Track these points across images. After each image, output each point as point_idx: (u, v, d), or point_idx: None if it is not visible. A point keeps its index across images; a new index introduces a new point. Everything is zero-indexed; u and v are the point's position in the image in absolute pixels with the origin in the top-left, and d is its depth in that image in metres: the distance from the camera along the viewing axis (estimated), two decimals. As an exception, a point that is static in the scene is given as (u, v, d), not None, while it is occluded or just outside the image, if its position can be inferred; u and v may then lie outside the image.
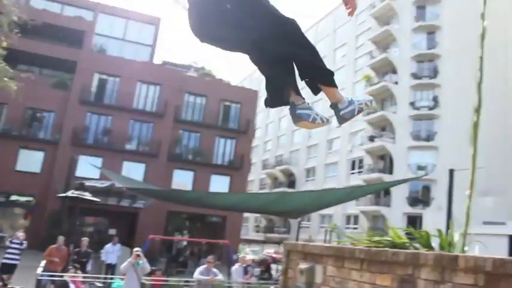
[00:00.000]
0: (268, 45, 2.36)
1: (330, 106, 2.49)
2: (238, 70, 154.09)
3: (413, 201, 37.86)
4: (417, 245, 3.90)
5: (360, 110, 2.50)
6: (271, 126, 62.46)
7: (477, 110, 3.88)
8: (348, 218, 43.60)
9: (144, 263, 9.97)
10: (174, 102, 32.15)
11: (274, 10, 2.37)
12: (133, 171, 28.40)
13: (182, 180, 31.34)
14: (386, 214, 37.59)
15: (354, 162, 44.38)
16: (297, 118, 2.50)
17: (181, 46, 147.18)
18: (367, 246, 4.08)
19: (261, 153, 62.66)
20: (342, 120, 2.54)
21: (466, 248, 3.73)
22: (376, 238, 4.21)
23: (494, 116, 37.71)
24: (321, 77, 2.45)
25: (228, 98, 34.83)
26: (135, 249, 10.22)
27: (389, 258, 3.59)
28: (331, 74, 2.45)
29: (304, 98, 2.52)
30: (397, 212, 37.29)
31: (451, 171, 15.06)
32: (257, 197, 15.48)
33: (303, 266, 4.72)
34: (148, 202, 27.28)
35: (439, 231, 3.82)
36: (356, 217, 41.95)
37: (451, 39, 38.05)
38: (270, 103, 2.57)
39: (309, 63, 2.42)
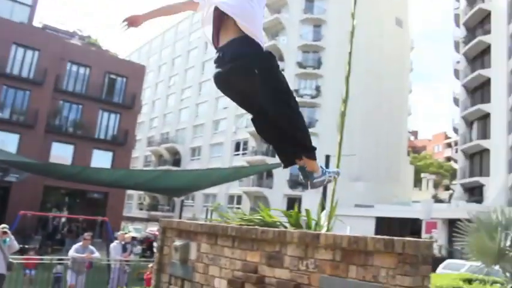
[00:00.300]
0: (272, 114, 2.75)
1: (305, 171, 3.03)
2: (127, 43, 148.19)
3: (294, 183, 39.92)
4: (287, 225, 4.21)
5: (329, 181, 3.05)
6: (158, 103, 61.37)
7: (344, 101, 4.26)
8: (232, 198, 44.67)
9: (11, 240, 9.36)
10: (54, 71, 30.07)
11: (287, 85, 2.79)
12: (6, 142, 26.27)
13: (61, 153, 29.65)
14: (268, 195, 39.19)
15: (238, 144, 45.37)
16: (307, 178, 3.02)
17: (65, 11, 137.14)
18: (239, 225, 4.30)
19: (147, 130, 61.42)
20: (313, 186, 3.06)
21: (330, 226, 4.11)
22: (248, 217, 4.45)
23: (368, 108, 40.97)
24: (308, 153, 2.91)
25: (114, 70, 33.43)
26: (2, 225, 9.56)
27: (259, 236, 3.84)
28: (315, 149, 2.92)
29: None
30: (278, 193, 39.04)
31: (327, 157, 16.12)
32: (140, 173, 15.31)
33: (178, 243, 4.85)
34: (22, 176, 25.40)
35: (307, 211, 4.16)
36: (239, 197, 43.13)
37: (335, 34, 40.31)
38: (284, 166, 3.14)
39: (300, 141, 2.86)
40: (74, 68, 31.96)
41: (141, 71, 35.89)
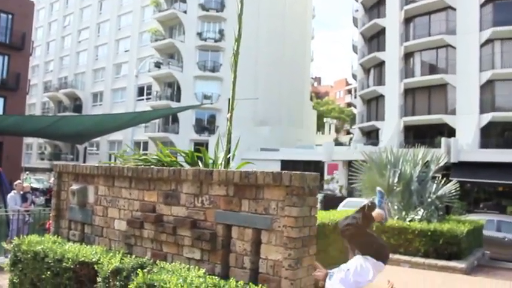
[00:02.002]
0: None
1: None
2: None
3: (200, 128, 40.02)
4: (185, 164, 4.29)
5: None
6: (53, 44, 57.17)
7: (237, 40, 4.29)
8: (138, 145, 43.75)
9: None
10: None
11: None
12: None
13: None
14: (175, 140, 38.90)
15: (142, 89, 44.06)
16: None
17: None
18: (136, 165, 4.31)
19: (42, 74, 57.37)
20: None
21: (228, 164, 4.26)
22: (144, 157, 4.46)
23: (273, 54, 41.47)
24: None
25: (-4, 5, 30.22)
26: None
27: (155, 175, 3.89)
28: None
29: None
30: (184, 138, 38.90)
31: (230, 100, 16.31)
32: (36, 119, 14.42)
33: (75, 187, 4.76)
34: None
35: (203, 150, 4.25)
36: (146, 143, 42.42)
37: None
38: None
39: None
40: None
41: (29, 7, 32.79)
